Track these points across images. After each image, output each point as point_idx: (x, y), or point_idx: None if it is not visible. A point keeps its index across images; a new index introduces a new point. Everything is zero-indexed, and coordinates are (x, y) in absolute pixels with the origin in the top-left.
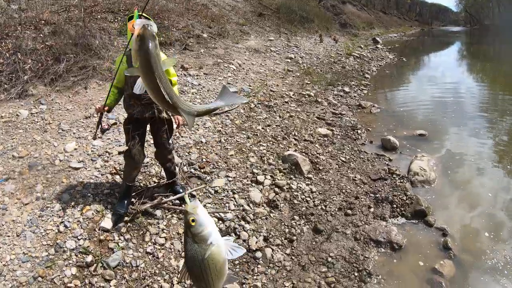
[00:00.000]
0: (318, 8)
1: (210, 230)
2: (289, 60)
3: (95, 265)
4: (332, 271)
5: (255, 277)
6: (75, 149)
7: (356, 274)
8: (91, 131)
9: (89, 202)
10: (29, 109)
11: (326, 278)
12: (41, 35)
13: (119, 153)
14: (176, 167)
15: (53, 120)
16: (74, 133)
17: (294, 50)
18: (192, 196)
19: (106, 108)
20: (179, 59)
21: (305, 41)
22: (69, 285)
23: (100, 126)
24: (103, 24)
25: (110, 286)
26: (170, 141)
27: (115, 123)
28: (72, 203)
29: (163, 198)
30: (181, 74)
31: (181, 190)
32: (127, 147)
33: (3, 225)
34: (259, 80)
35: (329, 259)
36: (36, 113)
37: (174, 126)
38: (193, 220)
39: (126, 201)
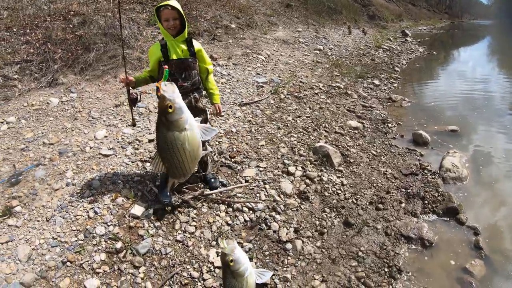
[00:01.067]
0: None
1: (247, 266)
2: (317, 52)
3: (124, 251)
4: (362, 266)
5: (285, 268)
6: (105, 136)
7: (386, 270)
8: (121, 119)
9: (119, 189)
10: (60, 97)
11: (356, 273)
12: (70, 26)
13: (150, 141)
14: (208, 156)
15: (83, 108)
16: (104, 121)
17: (322, 42)
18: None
19: (130, 78)
20: (207, 49)
21: (334, 33)
22: (98, 270)
23: (129, 97)
24: (132, 15)
25: (139, 273)
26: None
27: (144, 92)
28: (102, 190)
29: (204, 190)
30: None
31: (212, 180)
32: None
33: (33, 210)
34: (289, 71)
35: (360, 253)
36: (67, 101)
37: (209, 116)
38: (231, 261)
39: (169, 192)
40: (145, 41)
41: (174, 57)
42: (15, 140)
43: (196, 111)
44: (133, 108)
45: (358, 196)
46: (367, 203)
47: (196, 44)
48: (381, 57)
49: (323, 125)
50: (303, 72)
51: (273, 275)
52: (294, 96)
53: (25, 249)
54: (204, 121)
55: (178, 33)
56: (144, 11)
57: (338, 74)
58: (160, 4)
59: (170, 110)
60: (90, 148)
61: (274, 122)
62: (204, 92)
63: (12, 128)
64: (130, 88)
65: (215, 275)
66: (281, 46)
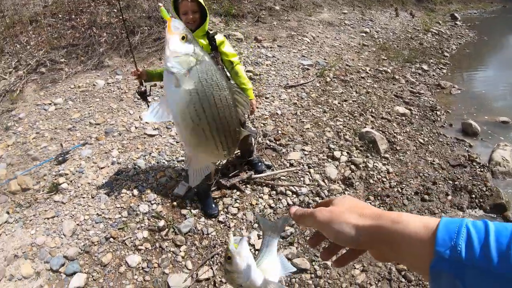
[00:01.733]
0: None
1: (245, 277)
2: (364, 35)
3: (166, 229)
4: None
5: None
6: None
7: None
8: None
9: (163, 168)
10: (105, 79)
11: (397, 265)
12: (115, 10)
13: None
14: (253, 139)
15: (128, 89)
16: (149, 102)
17: (369, 24)
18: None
19: (140, 70)
20: (252, 31)
21: (380, 15)
22: (139, 247)
23: (137, 90)
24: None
25: (180, 251)
26: (247, 122)
27: (154, 85)
28: (147, 169)
29: (252, 173)
30: (255, 46)
31: (258, 164)
32: None
33: (79, 187)
34: (334, 54)
35: None
36: (112, 83)
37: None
38: (229, 258)
39: (213, 203)
40: None
41: None
42: (63, 120)
43: None
44: (146, 101)
45: (404, 185)
46: (413, 193)
47: (219, 37)
48: (430, 41)
49: (370, 110)
50: (349, 55)
51: (313, 261)
52: (340, 79)
53: (70, 224)
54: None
55: (198, 26)
56: None
57: (385, 58)
58: None
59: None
60: (136, 128)
61: (319, 106)
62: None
63: (59, 109)
64: (143, 81)
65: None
66: (326, 28)
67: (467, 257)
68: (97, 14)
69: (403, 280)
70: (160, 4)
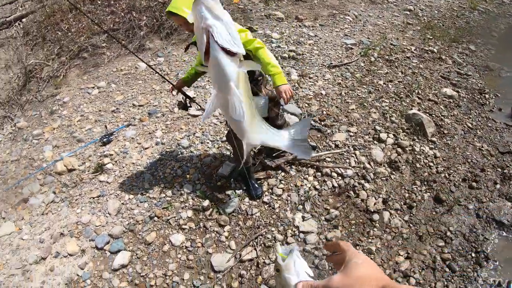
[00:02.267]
0: None
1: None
2: (408, 13)
3: (210, 209)
4: (449, 247)
5: (369, 240)
6: (194, 97)
7: (473, 255)
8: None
9: (207, 148)
10: (147, 61)
11: (442, 254)
12: None
13: None
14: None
15: (170, 71)
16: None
17: (412, 2)
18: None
19: (176, 84)
20: (292, 10)
21: None
22: (183, 226)
23: (182, 102)
24: None
25: (224, 231)
26: (280, 115)
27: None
28: (191, 149)
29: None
30: (296, 25)
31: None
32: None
33: (123, 167)
34: (378, 33)
35: (448, 233)
36: (154, 65)
37: (282, 102)
38: (277, 270)
39: (256, 183)
40: (228, 3)
41: None
42: (106, 103)
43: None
44: (187, 108)
45: (451, 171)
46: (460, 180)
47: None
48: (477, 20)
49: (416, 91)
50: (393, 34)
51: (357, 245)
52: (384, 59)
53: (115, 203)
54: (276, 107)
55: None
56: None
57: (431, 37)
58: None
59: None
60: (178, 109)
61: (364, 86)
62: (267, 79)
63: (103, 92)
64: (184, 91)
65: (299, 239)
66: (369, 6)
67: None
68: None
69: (447, 270)
70: None
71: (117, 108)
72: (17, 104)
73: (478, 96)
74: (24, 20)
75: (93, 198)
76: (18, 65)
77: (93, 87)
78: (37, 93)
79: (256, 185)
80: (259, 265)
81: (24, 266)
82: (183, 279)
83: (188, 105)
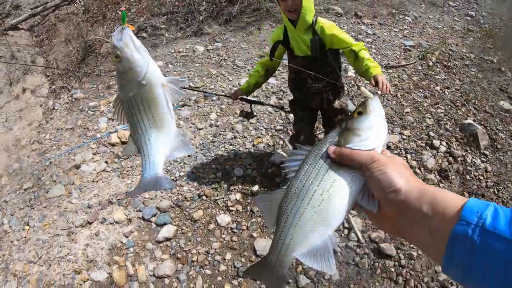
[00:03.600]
0: None
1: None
2: (469, 18)
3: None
4: None
5: (412, 245)
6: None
7: None
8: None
9: (261, 135)
10: (205, 45)
11: None
12: None
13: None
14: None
15: (228, 56)
16: (248, 70)
17: (474, 7)
18: None
19: (236, 95)
20: (352, 6)
21: None
22: (231, 208)
23: (244, 111)
24: None
25: None
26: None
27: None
28: (245, 134)
29: None
30: (354, 22)
31: None
32: (293, 130)
33: None
34: (437, 37)
35: None
36: (212, 49)
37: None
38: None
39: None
40: None
41: (299, 53)
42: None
43: (330, 112)
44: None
45: (501, 187)
46: (509, 197)
47: (328, 29)
48: None
49: (473, 101)
50: (452, 39)
51: (399, 249)
52: (443, 64)
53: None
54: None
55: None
56: None
57: (491, 47)
58: None
59: (117, 60)
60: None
61: (420, 90)
62: (345, 91)
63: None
64: (245, 96)
65: (342, 235)
66: (429, 8)
67: (491, 224)
68: None
69: None
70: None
71: None
72: (75, 76)
73: None
74: None
75: None
76: (78, 40)
77: None
78: (95, 67)
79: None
80: None
81: (70, 228)
82: (225, 259)
83: (254, 113)
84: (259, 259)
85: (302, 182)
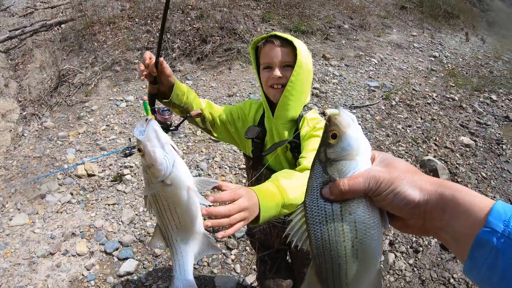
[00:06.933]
0: (463, 2)
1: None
2: (432, 59)
3: None
4: None
5: None
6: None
7: None
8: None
9: (225, 173)
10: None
11: None
12: (188, 19)
13: None
14: None
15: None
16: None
17: (438, 48)
18: None
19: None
20: (320, 49)
21: (450, 39)
22: None
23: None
24: (246, 11)
25: (231, 254)
26: None
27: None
28: (209, 172)
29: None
30: (322, 63)
31: None
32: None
33: (141, 180)
34: (401, 77)
35: (451, 280)
36: None
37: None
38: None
39: None
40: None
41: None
42: (132, 116)
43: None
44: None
45: None
46: None
47: (306, 126)
48: (500, 69)
49: (434, 138)
50: (416, 79)
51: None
52: (405, 103)
53: (129, 213)
54: None
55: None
56: (258, 7)
57: (453, 85)
58: (262, 36)
59: (140, 153)
60: (202, 132)
61: (383, 129)
62: None
63: (130, 106)
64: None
65: None
66: (395, 50)
67: None
68: (171, 21)
69: None
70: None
71: None
72: (46, 104)
73: (495, 146)
74: (63, 26)
75: (109, 204)
76: (52, 67)
77: (121, 100)
78: (67, 97)
79: None
80: None
81: (32, 258)
82: None
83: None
84: None
85: (326, 248)
